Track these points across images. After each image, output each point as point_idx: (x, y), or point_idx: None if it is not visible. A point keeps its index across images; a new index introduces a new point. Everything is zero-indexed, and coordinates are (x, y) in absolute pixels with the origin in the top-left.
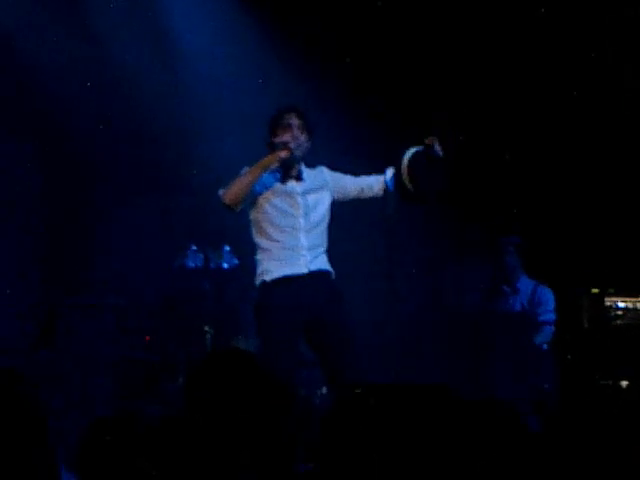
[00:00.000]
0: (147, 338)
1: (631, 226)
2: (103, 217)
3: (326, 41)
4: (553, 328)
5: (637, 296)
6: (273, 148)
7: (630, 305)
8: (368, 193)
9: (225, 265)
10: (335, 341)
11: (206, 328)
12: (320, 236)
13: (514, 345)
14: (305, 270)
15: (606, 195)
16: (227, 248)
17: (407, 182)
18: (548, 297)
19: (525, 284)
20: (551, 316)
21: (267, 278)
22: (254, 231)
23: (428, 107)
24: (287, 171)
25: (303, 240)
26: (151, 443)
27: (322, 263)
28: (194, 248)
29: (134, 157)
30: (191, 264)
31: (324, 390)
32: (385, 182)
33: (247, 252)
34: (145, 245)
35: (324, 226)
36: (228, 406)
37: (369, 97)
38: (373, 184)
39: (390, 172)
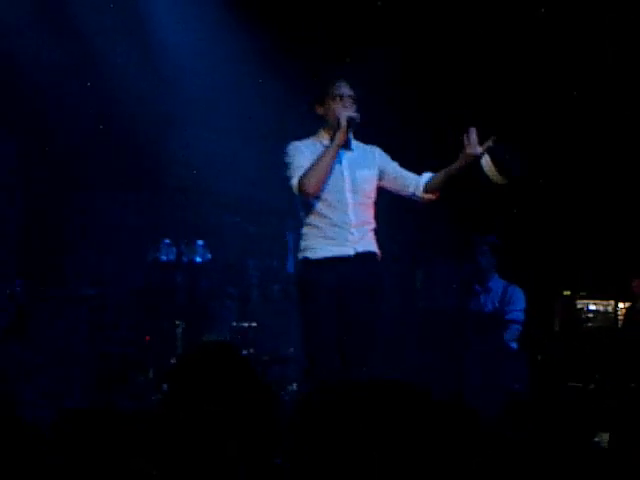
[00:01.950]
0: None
1: (603, 230)
2: (77, 211)
3: (311, 40)
4: (520, 327)
5: (608, 299)
6: (321, 118)
7: (601, 308)
8: (402, 191)
9: (198, 259)
10: (360, 329)
11: (177, 322)
12: (367, 212)
13: (485, 344)
14: (352, 252)
15: (580, 199)
16: (200, 242)
17: (500, 179)
18: (518, 297)
19: (497, 284)
20: (519, 315)
21: (311, 255)
22: (300, 206)
23: (423, 108)
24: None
25: (351, 216)
26: (119, 435)
27: (369, 244)
28: (167, 242)
29: (110, 152)
30: (164, 258)
31: (294, 386)
32: (419, 187)
33: (220, 246)
34: (119, 238)
35: (371, 204)
36: (211, 399)
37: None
38: (410, 184)
39: (426, 178)
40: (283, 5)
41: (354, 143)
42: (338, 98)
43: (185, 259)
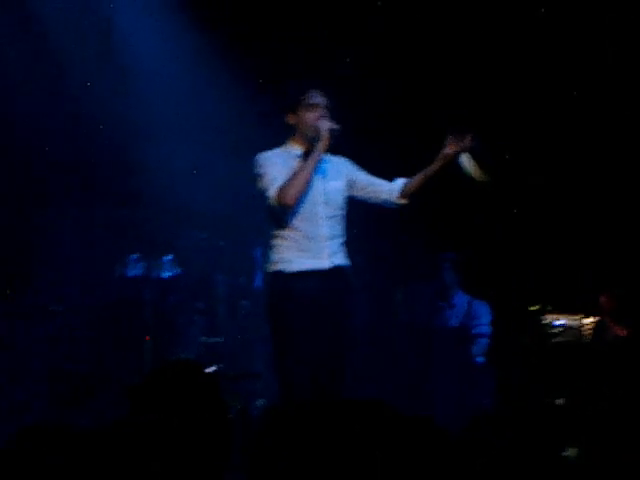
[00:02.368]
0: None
1: (571, 245)
2: (43, 226)
3: (282, 52)
4: (488, 341)
5: (576, 314)
6: (292, 128)
7: (569, 323)
8: (375, 199)
9: (166, 275)
10: (335, 342)
11: (145, 337)
12: (339, 225)
13: (452, 360)
14: (327, 264)
15: (547, 215)
16: (168, 257)
17: (481, 176)
18: (484, 311)
19: (461, 299)
20: (486, 329)
21: (286, 268)
22: (271, 218)
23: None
24: (307, 154)
25: (325, 229)
26: (78, 453)
27: (343, 257)
28: (135, 257)
29: (78, 165)
30: (132, 273)
31: (262, 402)
32: (393, 193)
33: (188, 262)
34: (86, 253)
35: (342, 216)
36: (168, 416)
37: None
38: (383, 191)
39: (400, 183)
40: (253, 18)
41: (324, 155)
42: (313, 107)
43: (153, 274)
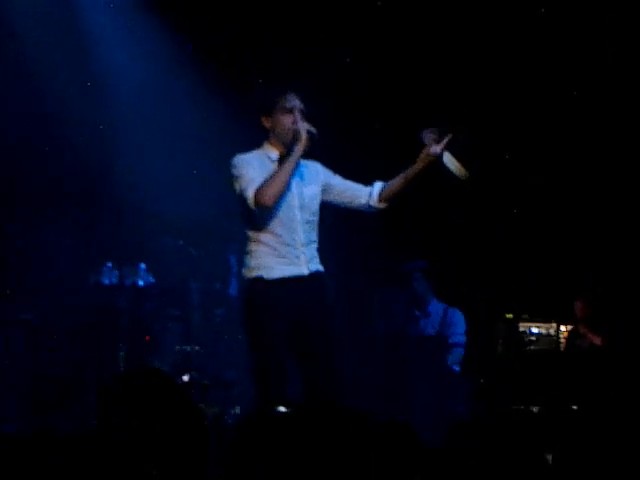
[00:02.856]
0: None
1: (546, 253)
2: (17, 232)
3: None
4: (463, 350)
5: (550, 322)
6: (267, 130)
7: (543, 331)
8: (353, 203)
9: (140, 282)
10: (320, 351)
11: (120, 345)
12: (314, 232)
13: (427, 368)
14: (305, 271)
15: (522, 223)
16: (143, 266)
17: (464, 173)
18: (458, 319)
19: (436, 307)
20: (461, 338)
21: (265, 275)
22: (248, 221)
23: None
24: (282, 158)
25: (301, 234)
26: (58, 460)
27: (318, 263)
28: (109, 265)
29: (51, 172)
30: (106, 281)
31: (237, 410)
32: (372, 197)
33: (162, 269)
34: (60, 261)
35: (316, 222)
36: (138, 425)
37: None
38: (361, 196)
39: (378, 187)
40: (225, 24)
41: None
42: (288, 111)
43: (127, 282)
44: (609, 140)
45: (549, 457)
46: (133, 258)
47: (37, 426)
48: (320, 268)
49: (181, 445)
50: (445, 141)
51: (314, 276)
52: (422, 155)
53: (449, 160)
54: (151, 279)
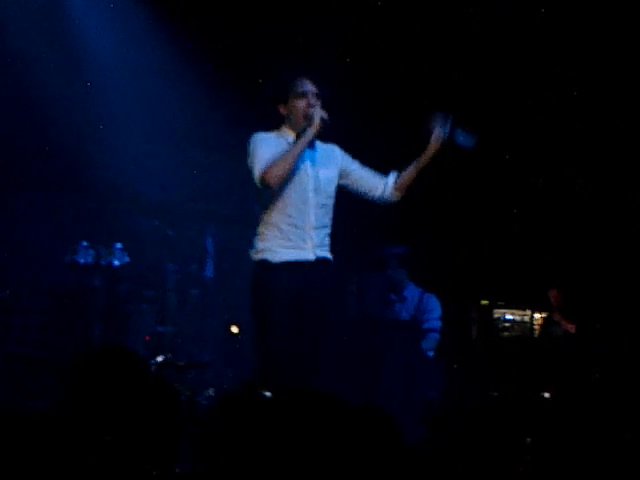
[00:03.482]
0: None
1: (521, 240)
2: None
3: (234, 43)
4: (438, 335)
5: (525, 309)
6: (283, 114)
7: (518, 318)
8: (368, 194)
9: (116, 262)
10: (310, 338)
11: (94, 325)
12: (327, 215)
13: (402, 353)
14: (312, 257)
15: (498, 210)
16: (119, 245)
17: (472, 144)
18: (434, 305)
19: (412, 292)
20: (436, 323)
21: (270, 258)
22: (260, 201)
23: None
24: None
25: (312, 217)
26: (29, 438)
27: (327, 250)
28: (85, 244)
29: (28, 153)
30: (81, 260)
31: (211, 391)
32: (387, 187)
33: (138, 250)
34: (35, 240)
35: (331, 206)
36: (110, 405)
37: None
38: (377, 186)
39: (393, 177)
40: (208, 10)
41: (315, 142)
42: (302, 95)
43: (103, 262)
44: (599, 139)
45: (529, 441)
46: (109, 238)
47: (10, 402)
48: (328, 255)
49: (153, 425)
50: (450, 120)
51: (320, 262)
52: (432, 139)
53: (459, 134)
54: (127, 259)
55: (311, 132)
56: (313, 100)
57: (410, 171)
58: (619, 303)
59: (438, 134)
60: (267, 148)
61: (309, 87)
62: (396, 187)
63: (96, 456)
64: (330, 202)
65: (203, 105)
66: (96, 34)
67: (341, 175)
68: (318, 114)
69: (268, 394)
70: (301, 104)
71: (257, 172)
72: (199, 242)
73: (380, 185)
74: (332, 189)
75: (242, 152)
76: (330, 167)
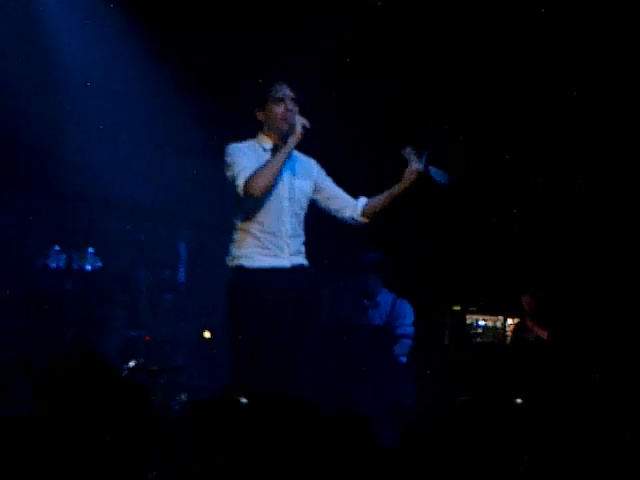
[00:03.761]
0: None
1: (494, 246)
2: None
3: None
4: (410, 341)
5: (497, 315)
6: (260, 119)
7: (490, 323)
8: (338, 213)
9: (88, 267)
10: (285, 345)
11: (66, 330)
12: (301, 225)
13: (375, 358)
14: (287, 263)
15: (471, 216)
16: (91, 250)
17: (448, 181)
18: (407, 311)
19: (385, 298)
20: (409, 329)
21: (246, 264)
22: (236, 209)
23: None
24: (276, 148)
25: (287, 226)
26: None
27: (302, 257)
28: (57, 248)
29: (1, 155)
30: (53, 264)
31: (183, 396)
32: (357, 211)
33: (110, 254)
34: (7, 244)
35: (303, 217)
36: (78, 409)
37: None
38: (347, 207)
39: (363, 202)
40: (183, 13)
41: (293, 152)
42: (280, 101)
43: (75, 266)
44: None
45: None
46: (81, 242)
47: None
48: (304, 262)
49: (125, 429)
50: (426, 156)
51: (296, 269)
52: (406, 174)
53: (434, 171)
54: (99, 264)
55: (293, 141)
56: (291, 105)
57: (381, 199)
58: (593, 309)
59: (413, 167)
60: (246, 157)
61: (287, 92)
62: (364, 212)
63: (67, 460)
64: (302, 213)
65: (177, 109)
66: (69, 35)
67: (315, 190)
68: (300, 123)
69: (243, 400)
70: (279, 109)
71: (241, 182)
72: (172, 247)
73: (350, 206)
74: (305, 201)
75: (216, 157)
76: (306, 179)
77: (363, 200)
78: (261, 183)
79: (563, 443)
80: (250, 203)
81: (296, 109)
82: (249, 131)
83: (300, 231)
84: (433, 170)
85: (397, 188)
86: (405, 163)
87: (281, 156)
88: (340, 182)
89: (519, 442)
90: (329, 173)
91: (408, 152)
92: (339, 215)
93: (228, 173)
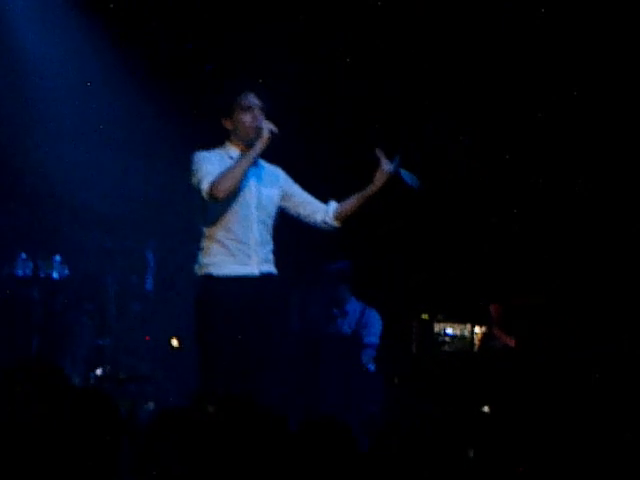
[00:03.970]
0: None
1: (461, 255)
2: None
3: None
4: (375, 352)
5: (465, 323)
6: (228, 128)
7: (458, 332)
8: (308, 218)
9: (55, 275)
10: (257, 349)
11: (32, 337)
12: (269, 233)
13: (341, 367)
14: (256, 271)
15: (438, 225)
16: (58, 258)
17: (418, 185)
18: (375, 320)
19: (353, 306)
20: (374, 340)
21: (215, 272)
22: (203, 217)
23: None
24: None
25: (256, 233)
26: None
27: (271, 265)
28: (23, 256)
29: None
30: (20, 272)
31: (151, 405)
32: (328, 214)
33: (78, 262)
34: None
35: (271, 225)
36: (31, 418)
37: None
38: (317, 211)
39: (334, 206)
40: (151, 19)
41: (260, 160)
42: (248, 109)
43: (42, 274)
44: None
45: (471, 454)
46: (48, 250)
47: None
48: (272, 270)
49: (92, 438)
50: (396, 160)
51: (264, 277)
52: (377, 175)
53: (405, 174)
54: (66, 271)
55: (260, 145)
56: (259, 114)
57: (352, 202)
58: (561, 316)
59: (384, 169)
60: (211, 164)
61: (255, 101)
62: (336, 216)
63: (32, 471)
64: (270, 221)
65: (145, 115)
66: (35, 41)
67: (283, 197)
68: (267, 127)
69: (211, 409)
70: (246, 118)
71: (205, 186)
72: (140, 254)
73: (320, 211)
74: (273, 208)
75: (184, 164)
76: (273, 187)
77: (334, 204)
78: (225, 185)
79: (553, 446)
80: (217, 211)
81: (263, 118)
82: (217, 139)
83: (269, 239)
84: (404, 172)
85: (368, 190)
86: (376, 165)
87: (247, 159)
88: (309, 187)
89: (487, 448)
90: (297, 178)
91: (380, 153)
92: (311, 220)
93: (193, 180)
